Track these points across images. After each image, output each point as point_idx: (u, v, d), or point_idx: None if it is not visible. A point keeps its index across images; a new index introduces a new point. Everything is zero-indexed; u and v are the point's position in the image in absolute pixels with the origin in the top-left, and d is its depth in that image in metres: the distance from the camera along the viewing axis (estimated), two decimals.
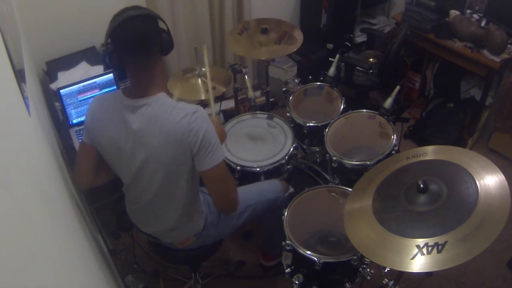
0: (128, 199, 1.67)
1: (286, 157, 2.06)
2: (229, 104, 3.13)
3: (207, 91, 2.14)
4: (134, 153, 1.46)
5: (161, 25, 1.43)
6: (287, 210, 1.79)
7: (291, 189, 1.98)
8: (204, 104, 2.85)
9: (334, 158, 2.02)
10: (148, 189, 1.53)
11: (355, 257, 1.61)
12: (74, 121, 2.19)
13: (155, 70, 1.42)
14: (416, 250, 1.23)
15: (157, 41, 1.39)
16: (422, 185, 1.34)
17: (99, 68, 2.33)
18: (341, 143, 2.09)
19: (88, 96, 2.17)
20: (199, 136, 1.39)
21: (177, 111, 1.39)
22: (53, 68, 2.38)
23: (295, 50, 2.31)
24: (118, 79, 2.24)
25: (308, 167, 2.39)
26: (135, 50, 1.37)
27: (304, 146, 2.32)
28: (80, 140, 2.06)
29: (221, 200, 1.56)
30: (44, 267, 0.81)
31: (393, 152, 2.00)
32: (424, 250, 1.22)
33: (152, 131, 1.40)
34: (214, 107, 1.86)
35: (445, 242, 1.21)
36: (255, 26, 2.44)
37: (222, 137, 1.67)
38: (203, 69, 2.23)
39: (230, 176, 1.56)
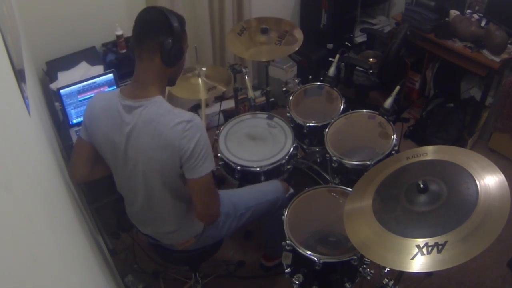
0: (126, 200, 1.67)
1: (286, 157, 2.06)
2: (229, 104, 3.13)
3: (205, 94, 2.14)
4: (127, 153, 1.46)
5: (177, 38, 1.38)
6: (287, 210, 1.79)
7: (291, 190, 1.98)
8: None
9: (334, 158, 2.02)
10: (140, 191, 1.53)
11: (355, 257, 1.61)
12: (74, 121, 2.19)
13: (150, 69, 1.40)
14: (416, 250, 1.23)
15: (158, 40, 1.36)
16: (422, 185, 1.34)
17: (99, 68, 2.33)
18: (341, 143, 2.09)
19: (88, 96, 2.17)
20: (191, 145, 1.38)
21: (172, 117, 1.38)
22: (53, 68, 2.38)
23: (295, 49, 2.31)
24: (118, 79, 2.24)
25: (308, 167, 2.39)
26: (134, 35, 1.39)
27: (304, 146, 2.32)
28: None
29: (204, 210, 1.55)
30: (44, 267, 0.81)
31: (393, 152, 2.00)
32: (424, 250, 1.22)
33: (145, 133, 1.40)
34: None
35: (445, 242, 1.21)
36: (255, 25, 2.44)
37: None
38: (203, 69, 2.24)
39: (214, 187, 1.56)
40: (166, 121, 1.38)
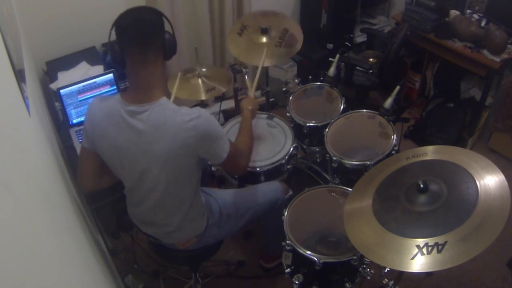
0: (130, 201, 1.66)
1: (286, 157, 2.06)
2: (229, 104, 3.12)
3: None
4: (137, 159, 1.45)
5: (168, 28, 1.43)
6: (287, 210, 1.79)
7: (290, 192, 1.98)
8: (204, 105, 2.85)
9: (334, 158, 2.02)
10: (151, 193, 1.52)
11: (355, 257, 1.61)
12: (74, 121, 2.19)
13: (155, 71, 1.40)
14: (416, 250, 1.23)
15: (159, 38, 1.37)
16: (422, 185, 1.34)
17: (99, 68, 2.33)
18: (341, 143, 2.09)
19: (88, 96, 2.17)
20: (205, 138, 1.41)
21: (181, 116, 1.38)
22: (53, 68, 2.38)
23: (296, 51, 2.30)
24: (118, 79, 2.24)
25: (308, 167, 2.39)
26: (135, 39, 1.35)
27: (304, 146, 2.32)
28: (80, 141, 2.07)
29: (236, 169, 1.70)
30: (44, 267, 0.81)
31: (393, 152, 2.00)
32: (424, 250, 1.22)
33: (156, 137, 1.39)
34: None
35: (445, 242, 1.21)
36: (255, 24, 2.43)
37: (254, 114, 1.87)
38: (203, 70, 2.24)
39: (238, 148, 1.62)
40: (177, 122, 1.38)
